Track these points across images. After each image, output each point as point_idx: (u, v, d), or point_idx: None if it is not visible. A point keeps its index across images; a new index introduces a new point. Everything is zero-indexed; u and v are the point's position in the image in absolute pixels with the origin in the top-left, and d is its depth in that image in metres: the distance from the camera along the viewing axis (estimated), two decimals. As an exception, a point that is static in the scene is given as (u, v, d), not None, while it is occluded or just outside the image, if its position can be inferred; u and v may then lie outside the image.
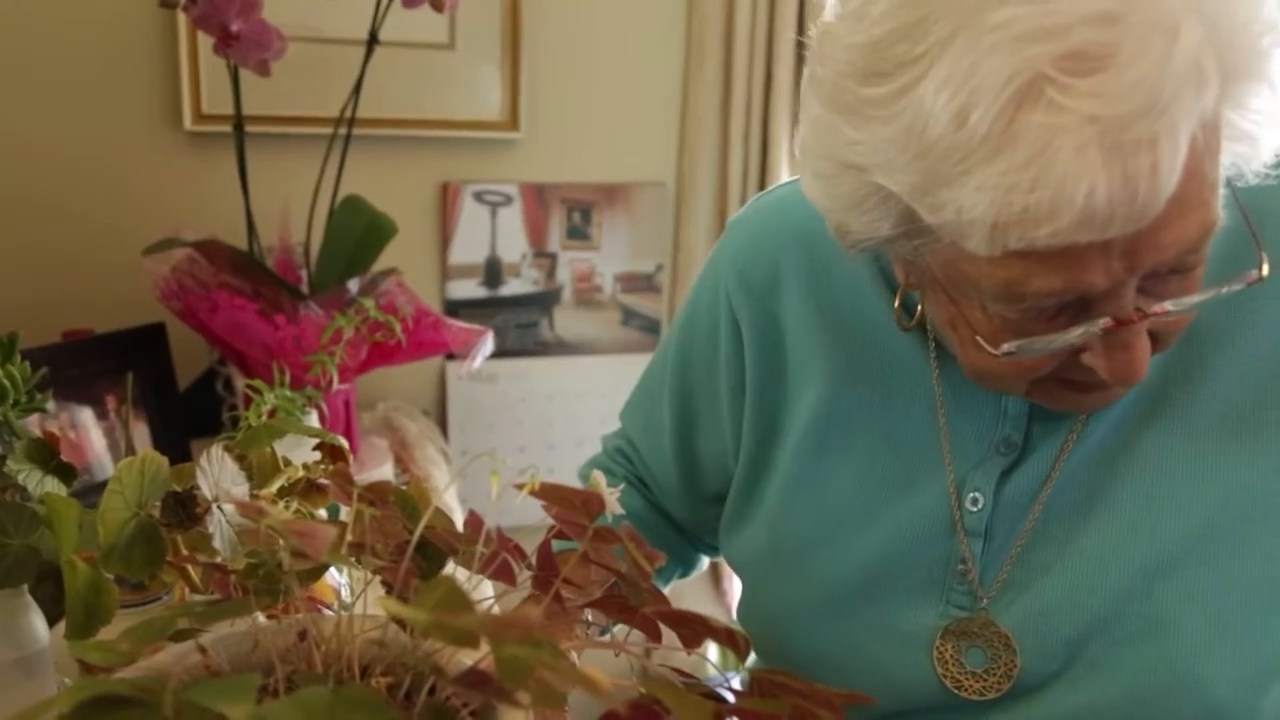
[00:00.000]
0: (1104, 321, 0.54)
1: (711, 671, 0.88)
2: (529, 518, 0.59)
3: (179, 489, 0.58)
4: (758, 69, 1.69)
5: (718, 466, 0.84)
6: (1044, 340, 0.56)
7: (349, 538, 0.50)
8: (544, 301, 1.74)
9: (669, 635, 0.53)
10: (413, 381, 1.69)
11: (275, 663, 0.46)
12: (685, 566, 0.97)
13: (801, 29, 1.67)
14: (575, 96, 1.68)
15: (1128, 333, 0.55)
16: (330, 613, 0.57)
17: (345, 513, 0.53)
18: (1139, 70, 0.46)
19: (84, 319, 1.40)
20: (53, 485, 0.61)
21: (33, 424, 0.80)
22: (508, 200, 1.68)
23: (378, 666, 0.48)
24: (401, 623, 0.46)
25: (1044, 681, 0.67)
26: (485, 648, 0.36)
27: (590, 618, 0.59)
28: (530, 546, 0.56)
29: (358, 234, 1.36)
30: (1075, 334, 0.55)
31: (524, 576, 0.55)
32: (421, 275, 1.65)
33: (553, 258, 1.73)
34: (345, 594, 0.77)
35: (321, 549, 0.43)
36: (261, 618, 0.52)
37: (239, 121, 1.29)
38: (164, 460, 0.57)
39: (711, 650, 1.64)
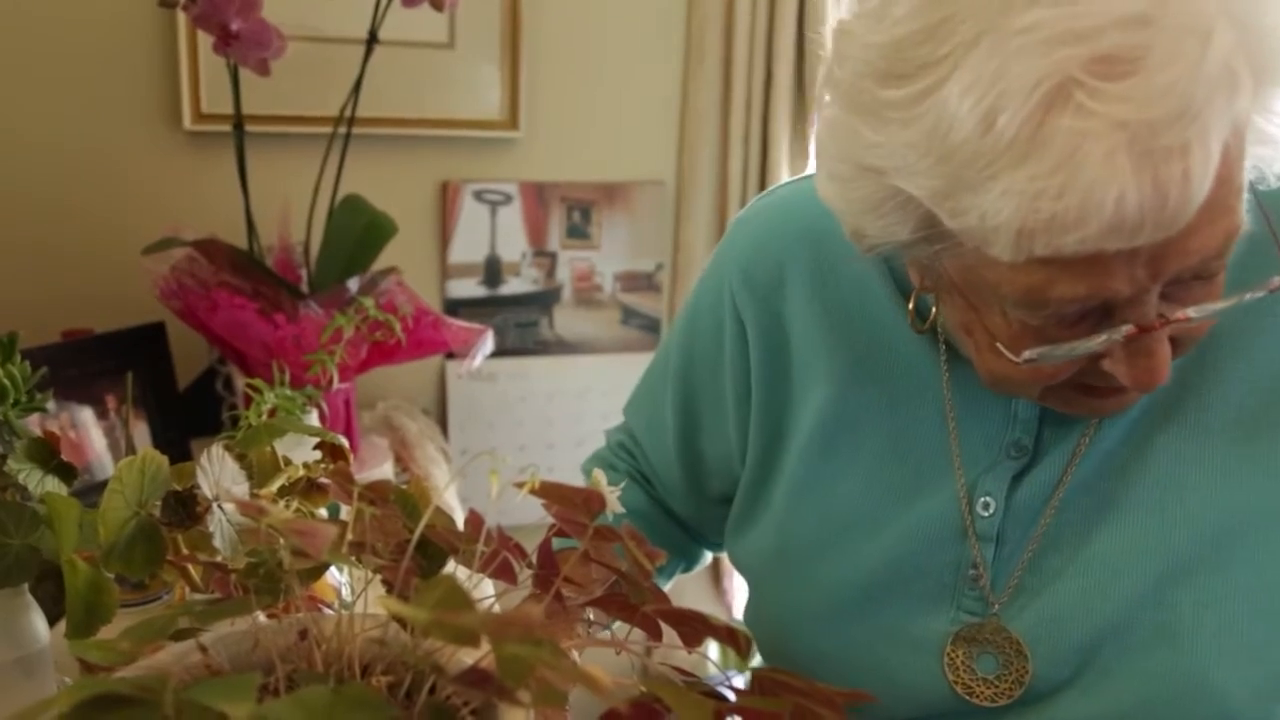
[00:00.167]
0: (1127, 329, 0.53)
1: (712, 670, 0.88)
2: (529, 516, 0.59)
3: (179, 488, 0.58)
4: (758, 67, 1.68)
5: (722, 467, 0.84)
6: (1066, 347, 0.55)
7: (349, 537, 0.50)
8: (544, 300, 1.74)
9: (669, 633, 0.53)
10: (413, 381, 1.69)
11: (276, 662, 0.46)
12: (689, 561, 0.97)
13: (801, 27, 1.67)
14: (575, 95, 1.68)
15: (1150, 339, 0.55)
16: (331, 612, 0.57)
17: (345, 512, 0.53)
18: (1171, 74, 0.45)
19: (84, 318, 1.40)
20: (53, 485, 0.61)
21: (33, 423, 0.80)
22: (507, 199, 1.68)
23: (378, 665, 0.48)
24: (402, 621, 0.46)
25: (1056, 688, 0.67)
26: (486, 646, 0.36)
27: (592, 616, 0.59)
28: (531, 545, 0.56)
29: (357, 233, 1.36)
30: (1098, 341, 0.54)
31: (524, 575, 0.55)
32: (421, 274, 1.65)
33: (552, 257, 1.73)
34: (346, 593, 0.77)
35: (322, 548, 0.42)
36: (262, 617, 0.52)
37: (239, 121, 1.29)
38: (164, 459, 0.57)
39: (712, 649, 1.64)
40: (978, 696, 0.68)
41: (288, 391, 1.01)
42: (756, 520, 0.79)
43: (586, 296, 1.76)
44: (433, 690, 0.45)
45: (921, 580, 0.71)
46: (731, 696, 0.48)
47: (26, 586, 0.58)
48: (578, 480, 0.58)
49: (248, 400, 0.97)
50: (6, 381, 0.64)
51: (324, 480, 0.65)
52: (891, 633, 0.71)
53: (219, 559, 0.57)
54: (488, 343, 1.40)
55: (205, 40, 1.31)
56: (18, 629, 0.57)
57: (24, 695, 0.57)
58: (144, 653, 0.47)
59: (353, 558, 0.50)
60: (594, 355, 1.78)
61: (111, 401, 1.34)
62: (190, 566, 0.60)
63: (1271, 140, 0.54)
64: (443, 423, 1.72)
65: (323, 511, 0.66)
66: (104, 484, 0.54)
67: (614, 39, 1.68)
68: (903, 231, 0.56)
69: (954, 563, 0.70)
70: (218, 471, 0.58)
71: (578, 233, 1.73)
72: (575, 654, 0.56)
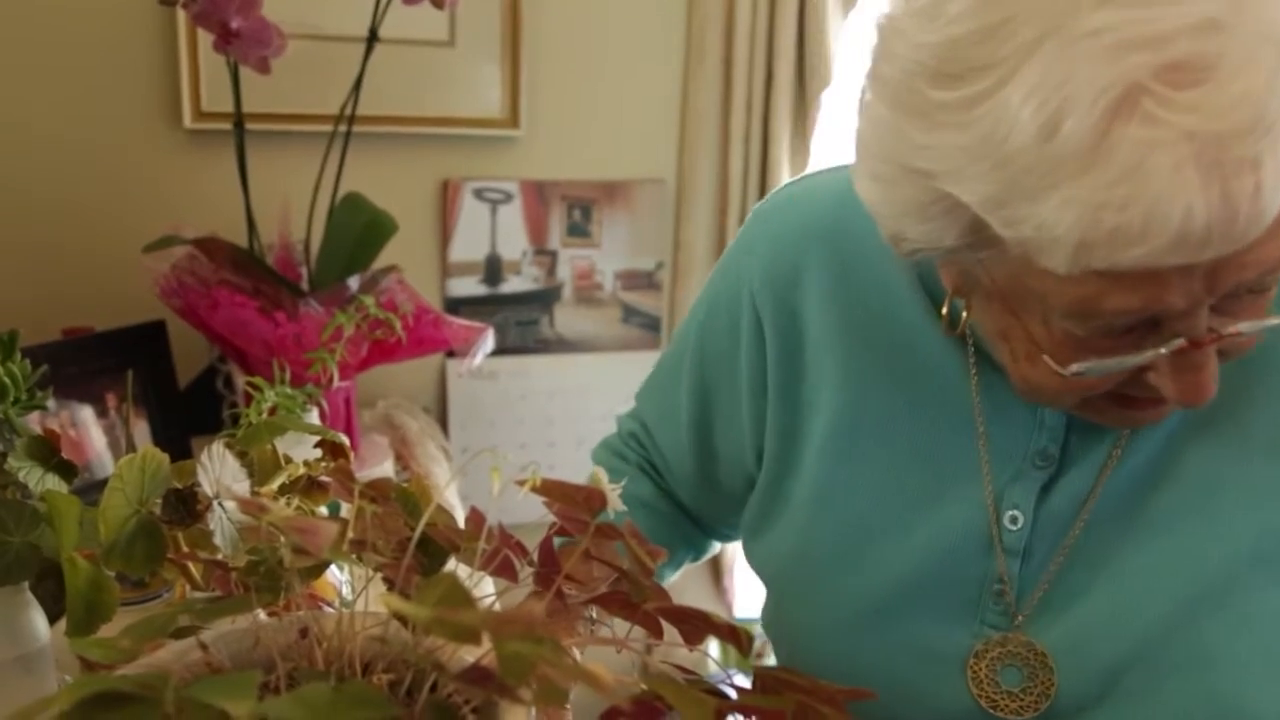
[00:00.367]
0: (1178, 342, 0.52)
1: (713, 668, 0.87)
2: (530, 515, 0.59)
3: (180, 486, 0.58)
4: (758, 66, 1.68)
5: (735, 461, 0.82)
6: (1115, 360, 0.53)
7: (350, 535, 0.50)
8: (544, 299, 1.74)
9: (671, 631, 0.53)
10: (413, 379, 1.69)
11: (276, 660, 0.46)
12: (697, 552, 0.95)
13: (802, 26, 1.67)
14: (575, 94, 1.68)
15: (1199, 354, 0.53)
16: (332, 609, 0.56)
17: (346, 510, 0.53)
18: (1244, 84, 0.44)
19: (84, 317, 1.40)
20: (53, 482, 0.61)
21: (33, 421, 0.80)
22: (508, 197, 1.68)
23: (379, 663, 0.48)
24: (403, 619, 0.46)
25: (1081, 706, 0.65)
26: (487, 644, 0.36)
27: (595, 615, 0.59)
28: (532, 544, 0.56)
29: (358, 231, 1.36)
30: (1148, 355, 0.52)
31: (525, 573, 0.55)
32: (422, 273, 1.65)
33: (553, 255, 1.73)
34: (346, 591, 0.76)
35: (323, 546, 0.42)
36: (263, 615, 0.52)
37: (239, 119, 1.29)
38: (165, 457, 0.57)
39: (713, 647, 1.64)
40: (1002, 710, 0.66)
41: (288, 390, 1.01)
42: (775, 522, 0.77)
43: (587, 295, 1.76)
44: (434, 688, 0.45)
45: (945, 593, 0.69)
46: (733, 695, 0.48)
47: (27, 584, 0.58)
48: (579, 478, 0.58)
49: (248, 398, 0.97)
50: (7, 379, 0.64)
51: (325, 478, 0.65)
52: (913, 646, 0.69)
53: (220, 557, 0.57)
54: (488, 341, 1.40)
55: (205, 38, 1.31)
56: (18, 627, 0.57)
57: (24, 693, 0.57)
58: (144, 651, 0.47)
59: (354, 556, 0.50)
60: (594, 354, 1.78)
61: (112, 400, 1.34)
62: (191, 564, 0.60)
63: None
64: (443, 421, 1.72)
65: (323, 509, 0.66)
66: (104, 482, 0.54)
67: (615, 37, 1.68)
68: (948, 237, 0.54)
69: (979, 576, 0.68)
70: (218, 469, 0.58)
71: (578, 231, 1.73)
72: (576, 652, 0.56)
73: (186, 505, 0.58)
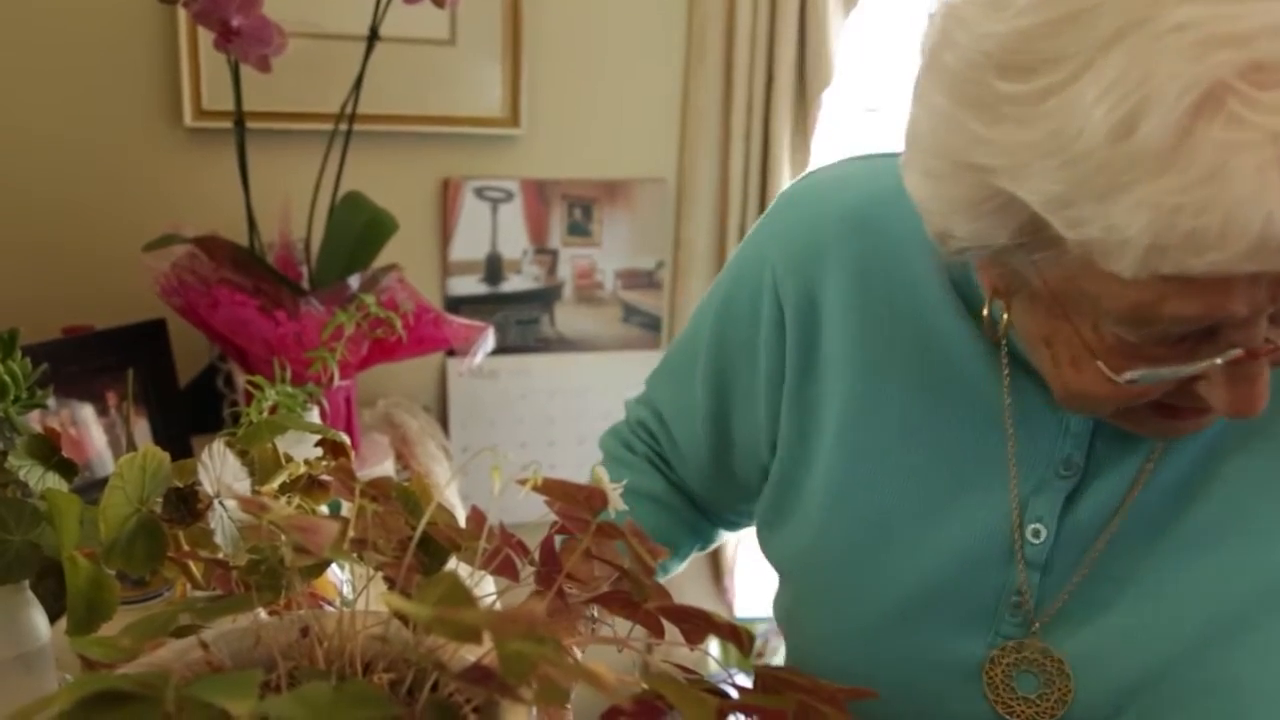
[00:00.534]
0: (1235, 352, 0.50)
1: (714, 667, 0.87)
2: (531, 514, 0.59)
3: (180, 485, 0.58)
4: (759, 65, 1.68)
5: (750, 451, 0.80)
6: (1170, 369, 0.52)
7: (351, 534, 0.49)
8: (545, 298, 1.74)
9: (672, 631, 0.53)
10: (414, 378, 1.69)
11: (277, 659, 0.46)
12: (704, 542, 0.93)
13: (803, 25, 1.67)
14: (576, 92, 1.68)
15: (1255, 365, 0.51)
16: (332, 609, 0.56)
17: (347, 508, 0.53)
18: None
19: (84, 315, 1.40)
20: (54, 481, 0.61)
21: (33, 420, 0.80)
22: (508, 196, 1.68)
23: (380, 662, 0.48)
24: (404, 618, 0.46)
25: (1097, 718, 0.64)
26: (488, 644, 0.36)
27: (595, 614, 0.58)
28: (533, 543, 0.56)
29: (358, 230, 1.36)
30: (1203, 364, 0.51)
31: (526, 572, 0.55)
32: (422, 271, 1.65)
33: (554, 254, 1.73)
34: (347, 590, 0.76)
35: (323, 545, 0.42)
36: (263, 614, 0.52)
37: (239, 117, 1.29)
38: (165, 456, 0.57)
39: (713, 646, 1.64)
40: (1018, 716, 0.65)
41: (289, 388, 1.01)
42: (790, 516, 0.76)
43: (587, 294, 1.76)
44: (435, 687, 0.45)
45: (962, 601, 0.68)
46: (734, 694, 0.48)
47: (27, 583, 0.58)
48: (580, 477, 0.57)
49: (249, 397, 0.97)
50: (7, 378, 0.64)
51: (325, 477, 0.65)
52: (928, 651, 0.68)
53: (220, 556, 0.57)
54: (489, 340, 1.40)
55: (206, 37, 1.31)
56: (18, 626, 0.57)
57: (25, 692, 0.57)
58: (145, 649, 0.47)
59: (354, 555, 0.50)
60: (595, 353, 1.78)
61: (112, 398, 1.34)
62: (191, 563, 0.60)
63: None
64: (444, 420, 1.72)
65: (324, 508, 0.66)
66: (104, 481, 0.54)
67: (615, 36, 1.68)
68: (1000, 236, 0.52)
69: (997, 586, 0.67)
70: (219, 468, 0.58)
71: (579, 230, 1.73)
72: (577, 651, 0.56)
73: (187, 504, 0.58)
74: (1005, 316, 0.62)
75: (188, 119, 1.48)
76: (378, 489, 0.55)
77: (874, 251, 0.72)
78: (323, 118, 1.40)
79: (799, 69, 1.69)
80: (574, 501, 0.54)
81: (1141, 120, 0.43)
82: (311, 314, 1.26)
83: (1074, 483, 0.66)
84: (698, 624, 0.52)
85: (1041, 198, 0.48)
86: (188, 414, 1.45)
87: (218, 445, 0.59)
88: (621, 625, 0.54)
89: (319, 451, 0.66)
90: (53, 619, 0.59)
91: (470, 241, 1.68)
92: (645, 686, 0.44)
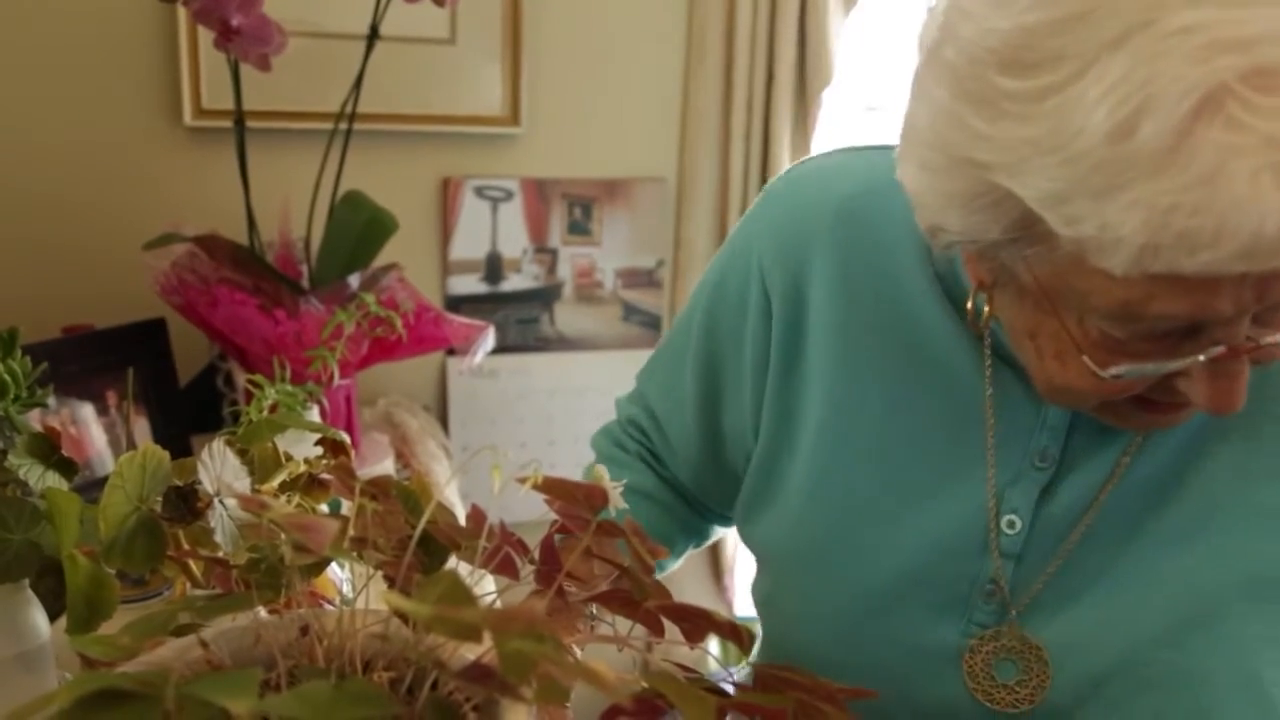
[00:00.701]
0: (1218, 349, 0.51)
1: (714, 666, 0.87)
2: (531, 512, 0.59)
3: (180, 483, 0.58)
4: (759, 64, 1.68)
5: (739, 441, 0.81)
6: (1154, 365, 0.53)
7: (351, 532, 0.49)
8: (545, 297, 1.74)
9: (671, 629, 0.53)
10: (413, 377, 1.69)
11: (277, 657, 0.46)
12: (699, 539, 0.94)
13: (803, 23, 1.67)
14: (576, 91, 1.68)
15: (1236, 362, 0.52)
16: (332, 607, 0.56)
17: (347, 507, 0.53)
18: None
19: (84, 314, 1.40)
20: (54, 480, 0.61)
21: (33, 419, 0.80)
22: (508, 195, 1.68)
23: (380, 661, 0.47)
24: (404, 617, 0.46)
25: (1072, 704, 0.65)
26: (488, 642, 0.36)
27: (594, 611, 0.58)
28: (533, 541, 0.56)
29: (358, 229, 1.36)
30: (1187, 360, 0.52)
31: (526, 571, 0.55)
32: (422, 271, 1.65)
33: (554, 253, 1.73)
34: (347, 589, 0.76)
35: (323, 543, 0.42)
36: (263, 612, 0.52)
37: (239, 116, 1.29)
38: (165, 454, 0.57)
39: (713, 645, 1.64)
40: (998, 703, 0.66)
41: (289, 387, 1.01)
42: (770, 504, 0.77)
43: (587, 293, 1.76)
44: (435, 686, 0.45)
45: (937, 589, 0.69)
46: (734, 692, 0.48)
47: (27, 582, 0.58)
48: (579, 476, 0.57)
49: (249, 396, 0.97)
50: (7, 377, 0.64)
51: (325, 476, 0.65)
52: (905, 639, 0.69)
53: (220, 554, 0.57)
54: (489, 339, 1.40)
55: (206, 36, 1.31)
56: (18, 624, 0.57)
57: (24, 690, 0.57)
58: (145, 648, 0.47)
59: (354, 553, 0.50)
60: (595, 352, 1.78)
61: (112, 397, 1.34)
62: (191, 562, 0.60)
63: None
64: (443, 419, 1.72)
65: (324, 507, 0.66)
66: (104, 480, 0.54)
67: (616, 35, 1.68)
68: (993, 231, 0.53)
69: (972, 575, 0.68)
70: (219, 467, 0.58)
71: (579, 229, 1.73)
72: (577, 650, 0.56)
73: (187, 503, 0.58)
74: (987, 309, 0.62)
75: (187, 118, 1.48)
76: (377, 488, 0.55)
77: (860, 243, 0.72)
78: (323, 117, 1.40)
79: (799, 68, 1.69)
80: (574, 500, 0.54)
81: (1143, 121, 0.44)
82: (311, 313, 1.26)
83: (1049, 475, 0.67)
84: (698, 622, 0.52)
85: (1038, 194, 0.48)
86: (187, 413, 1.45)
87: (217, 444, 0.59)
88: (622, 624, 0.54)
89: (319, 450, 0.66)
90: (52, 618, 0.59)
91: (470, 240, 1.68)
92: (645, 685, 0.44)
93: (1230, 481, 0.63)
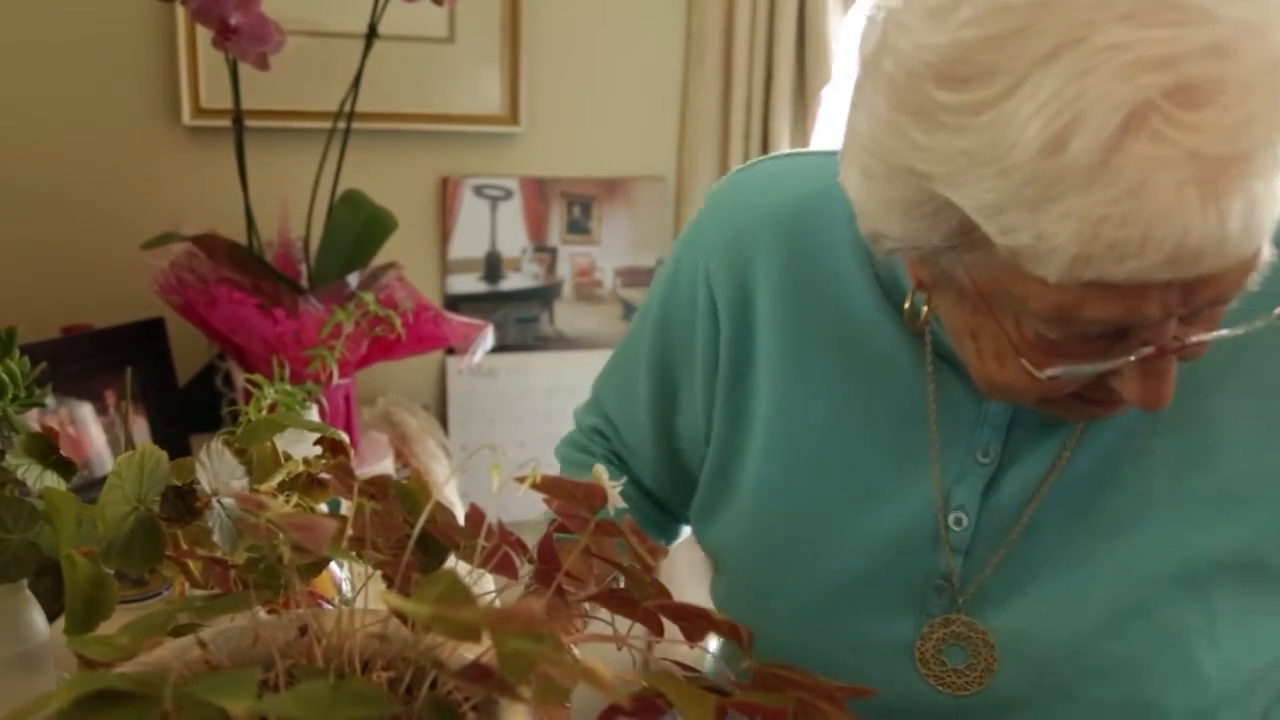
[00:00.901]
0: (1147, 350, 0.53)
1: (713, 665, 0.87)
2: (530, 512, 0.59)
3: (179, 483, 0.58)
4: (758, 63, 1.68)
5: (695, 444, 0.82)
6: (1089, 366, 0.55)
7: (350, 532, 0.49)
8: (544, 296, 1.74)
9: (671, 628, 0.53)
10: (413, 376, 1.69)
11: (276, 657, 0.46)
12: (668, 538, 0.95)
13: (802, 22, 1.67)
14: (575, 90, 1.68)
15: (1164, 361, 0.54)
16: (331, 607, 0.56)
17: (346, 507, 0.52)
18: (1247, 109, 0.45)
19: (83, 314, 1.40)
20: (52, 480, 0.61)
21: (32, 419, 0.80)
22: (508, 194, 1.68)
23: (379, 661, 0.47)
24: (403, 617, 0.46)
25: (1019, 686, 0.67)
26: (487, 642, 0.36)
27: (589, 609, 0.58)
28: (531, 541, 0.56)
29: (357, 228, 1.36)
30: (1119, 361, 0.54)
31: (525, 570, 0.55)
32: (421, 270, 1.65)
33: (553, 252, 1.73)
34: (346, 588, 0.76)
35: (322, 543, 0.42)
36: (262, 612, 0.52)
37: (238, 116, 1.29)
38: (163, 454, 0.57)
39: (713, 644, 1.64)
40: (950, 686, 0.68)
41: (288, 387, 1.01)
42: (725, 505, 0.78)
43: (587, 292, 1.76)
44: (434, 685, 0.45)
45: (890, 588, 0.70)
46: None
47: (25, 582, 0.58)
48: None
49: (247, 395, 0.96)
50: (5, 377, 0.64)
51: (324, 475, 0.65)
52: (860, 636, 0.71)
53: (219, 554, 0.57)
54: (488, 338, 1.40)
55: (204, 35, 1.31)
56: (17, 624, 0.57)
57: (23, 690, 0.57)
58: (143, 648, 0.47)
59: (353, 553, 0.50)
60: (594, 351, 1.78)
61: (110, 397, 1.34)
62: (190, 562, 0.60)
63: None
64: (443, 418, 1.72)
65: (323, 507, 0.66)
66: (103, 480, 0.54)
67: (615, 34, 1.68)
68: (933, 238, 0.54)
69: (924, 571, 0.70)
70: (217, 466, 0.58)
71: (578, 228, 1.73)
72: (575, 649, 0.56)
73: (185, 502, 0.57)
74: (925, 309, 0.65)
75: (186, 117, 1.48)
76: (376, 487, 0.55)
77: (806, 244, 0.74)
78: (321, 116, 1.40)
79: (798, 67, 1.69)
80: (573, 499, 0.54)
81: (1073, 136, 0.46)
82: (310, 312, 1.26)
83: (992, 470, 0.69)
84: (697, 622, 0.52)
85: (975, 204, 0.50)
86: (186, 413, 1.45)
87: (216, 444, 0.59)
88: (621, 623, 0.54)
89: (318, 450, 0.66)
90: (51, 618, 0.59)
91: (469, 239, 1.68)
92: (644, 684, 0.43)
93: (1163, 473, 0.65)
